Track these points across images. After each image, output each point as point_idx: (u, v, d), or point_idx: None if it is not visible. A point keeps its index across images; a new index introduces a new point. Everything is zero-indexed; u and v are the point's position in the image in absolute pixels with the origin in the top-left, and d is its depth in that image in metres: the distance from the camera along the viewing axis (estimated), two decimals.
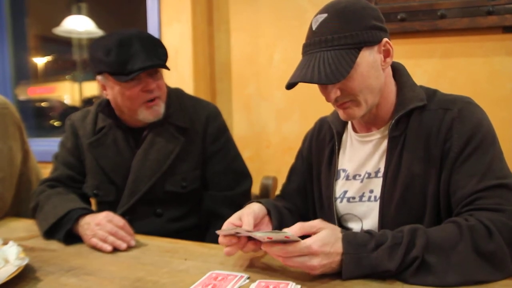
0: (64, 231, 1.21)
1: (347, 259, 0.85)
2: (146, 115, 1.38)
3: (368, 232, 0.90)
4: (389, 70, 1.09)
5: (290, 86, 1.03)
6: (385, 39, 1.02)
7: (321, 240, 0.85)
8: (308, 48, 1.02)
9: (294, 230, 0.88)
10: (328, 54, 0.97)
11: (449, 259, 0.83)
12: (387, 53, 1.03)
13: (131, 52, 1.30)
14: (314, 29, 1.01)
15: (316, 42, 1.00)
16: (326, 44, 0.98)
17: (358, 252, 0.85)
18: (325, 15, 1.01)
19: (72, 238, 1.22)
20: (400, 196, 1.03)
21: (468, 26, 1.73)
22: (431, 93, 1.08)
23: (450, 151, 0.98)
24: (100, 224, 1.17)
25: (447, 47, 1.80)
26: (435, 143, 1.01)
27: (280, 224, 1.10)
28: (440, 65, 1.82)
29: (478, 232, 0.85)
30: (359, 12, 0.99)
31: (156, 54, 1.33)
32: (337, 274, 0.88)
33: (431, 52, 1.83)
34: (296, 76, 1.00)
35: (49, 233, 1.25)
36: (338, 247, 0.86)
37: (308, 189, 1.27)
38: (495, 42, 1.73)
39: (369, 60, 1.00)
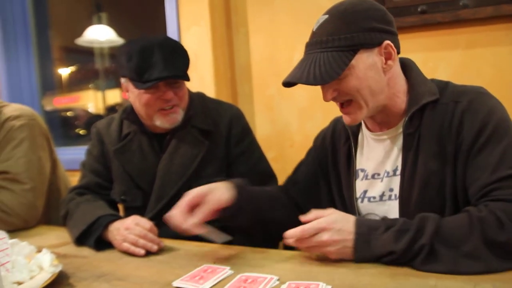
0: (94, 238, 1.24)
1: (359, 239, 0.90)
2: (163, 122, 1.40)
3: (382, 218, 0.94)
4: (397, 69, 1.07)
5: (286, 84, 1.06)
6: (387, 42, 1.00)
7: (331, 219, 0.92)
8: (307, 48, 1.05)
9: (309, 216, 0.94)
10: (322, 55, 0.98)
11: (458, 249, 0.84)
12: (388, 56, 1.02)
13: (151, 61, 1.32)
14: (314, 29, 1.04)
15: (313, 42, 1.02)
16: (321, 46, 1.00)
17: (370, 233, 0.90)
18: (326, 16, 1.02)
19: (103, 244, 1.24)
20: (419, 194, 1.01)
21: (493, 15, 1.67)
22: (443, 86, 1.06)
23: (462, 145, 0.97)
24: (129, 228, 1.19)
25: (471, 38, 1.75)
26: (449, 138, 0.99)
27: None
28: (464, 57, 1.77)
29: (488, 223, 0.85)
30: (359, 14, 0.99)
31: (175, 64, 1.34)
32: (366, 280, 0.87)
33: (454, 44, 1.79)
34: (291, 76, 1.02)
35: (80, 240, 1.28)
36: (350, 226, 0.91)
37: (321, 186, 1.27)
38: None
39: (366, 62, 0.99)
